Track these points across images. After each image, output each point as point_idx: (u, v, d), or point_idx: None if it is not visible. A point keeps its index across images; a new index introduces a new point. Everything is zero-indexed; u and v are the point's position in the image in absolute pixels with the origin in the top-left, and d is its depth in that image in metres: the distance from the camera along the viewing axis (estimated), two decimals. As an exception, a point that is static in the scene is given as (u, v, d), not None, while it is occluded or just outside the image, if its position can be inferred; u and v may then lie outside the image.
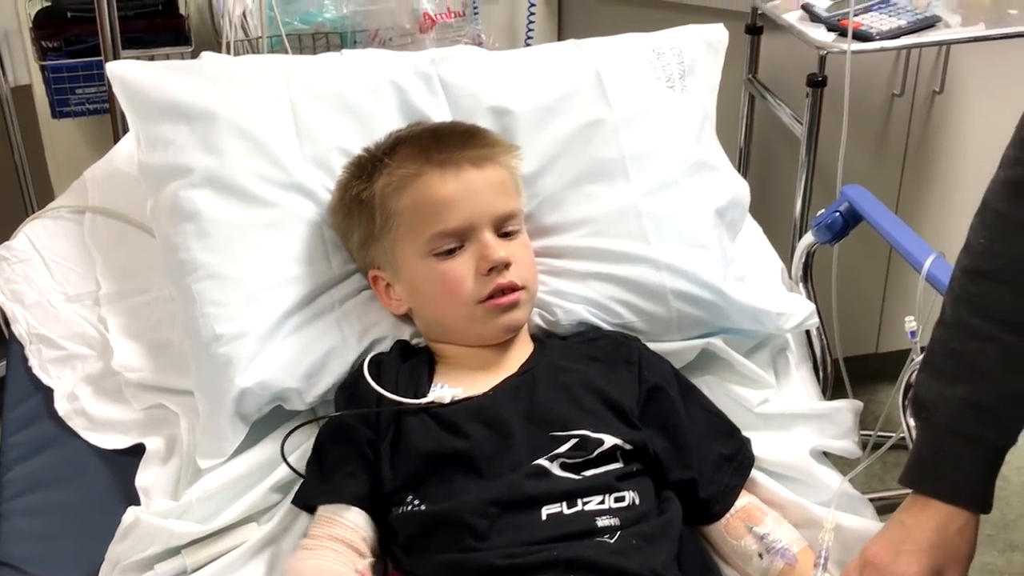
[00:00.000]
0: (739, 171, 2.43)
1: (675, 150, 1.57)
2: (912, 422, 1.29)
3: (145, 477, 1.40)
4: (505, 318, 1.37)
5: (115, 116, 1.91)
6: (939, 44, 2.28)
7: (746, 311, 1.51)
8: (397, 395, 1.33)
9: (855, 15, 2.05)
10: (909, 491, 1.16)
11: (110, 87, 1.60)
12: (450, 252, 1.36)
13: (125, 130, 1.69)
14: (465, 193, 1.36)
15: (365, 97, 1.55)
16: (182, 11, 2.34)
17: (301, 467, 1.35)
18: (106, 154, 1.71)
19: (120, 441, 1.45)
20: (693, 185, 1.56)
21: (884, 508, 1.39)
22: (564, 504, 1.25)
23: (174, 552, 1.32)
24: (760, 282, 1.62)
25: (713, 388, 1.50)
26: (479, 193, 1.37)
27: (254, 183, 1.46)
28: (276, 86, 1.53)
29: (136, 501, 1.37)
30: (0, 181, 2.49)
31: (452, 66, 1.61)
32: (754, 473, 1.40)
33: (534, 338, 1.46)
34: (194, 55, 2.30)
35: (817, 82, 2.08)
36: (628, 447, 1.30)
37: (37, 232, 1.63)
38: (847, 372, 1.70)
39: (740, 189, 1.64)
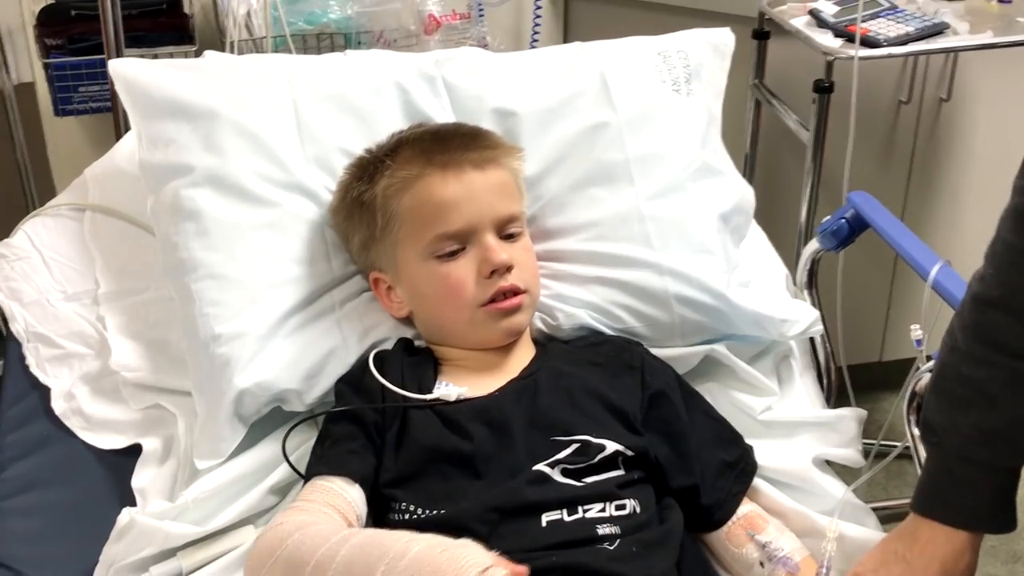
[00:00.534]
0: (745, 177, 2.42)
1: (680, 154, 1.56)
2: (917, 432, 1.28)
3: (141, 478, 1.39)
4: (506, 322, 1.36)
5: (117, 114, 1.89)
6: (947, 51, 2.27)
7: (750, 317, 1.49)
8: (403, 389, 1.32)
9: (863, 21, 2.04)
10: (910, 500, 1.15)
11: (113, 85, 1.59)
12: (452, 255, 1.35)
13: (127, 128, 1.67)
14: (467, 195, 1.35)
15: (368, 98, 1.54)
16: (186, 10, 2.33)
17: (301, 468, 1.33)
18: (107, 152, 1.70)
19: (117, 441, 1.43)
20: (698, 190, 1.55)
21: (887, 518, 1.38)
22: (565, 511, 1.23)
23: (170, 554, 1.30)
24: (764, 288, 1.61)
25: (716, 395, 1.49)
26: (481, 195, 1.36)
27: (255, 183, 1.45)
28: (279, 86, 1.52)
29: (132, 502, 1.36)
30: (2, 179, 2.47)
31: (456, 68, 1.60)
32: (756, 481, 1.39)
33: (536, 342, 1.45)
34: (198, 55, 2.28)
35: (824, 88, 2.06)
36: (630, 453, 1.29)
37: (37, 230, 1.63)
38: (851, 380, 1.68)
39: (745, 194, 1.63)
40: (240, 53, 2.12)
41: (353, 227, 1.42)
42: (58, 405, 1.46)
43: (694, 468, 1.34)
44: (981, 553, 1.14)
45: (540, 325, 1.47)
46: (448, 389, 1.33)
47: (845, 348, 1.68)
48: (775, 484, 1.41)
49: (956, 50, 2.22)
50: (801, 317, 1.55)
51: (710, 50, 1.68)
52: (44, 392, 1.48)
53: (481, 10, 2.37)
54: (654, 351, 1.46)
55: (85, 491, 1.41)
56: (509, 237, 1.38)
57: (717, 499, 1.35)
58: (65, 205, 1.64)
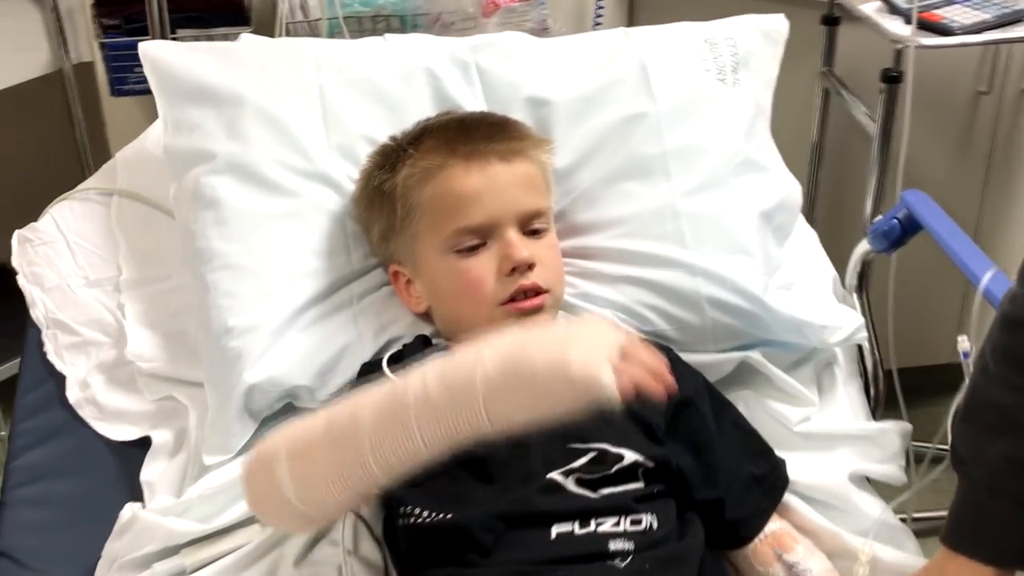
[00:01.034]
0: (811, 170, 2.35)
1: (721, 148, 1.48)
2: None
3: (150, 471, 1.37)
4: (526, 322, 1.30)
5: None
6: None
7: (787, 322, 1.41)
8: None
9: (936, 7, 1.93)
10: None
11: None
12: (472, 249, 1.30)
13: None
14: (490, 188, 1.29)
15: (397, 84, 1.49)
16: (243, -10, 2.31)
17: None
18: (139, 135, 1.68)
19: (129, 432, 1.41)
20: (738, 186, 1.47)
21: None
22: (576, 523, 1.17)
23: (173, 551, 1.28)
24: (808, 291, 1.52)
25: (751, 403, 1.41)
26: (505, 188, 1.30)
27: (276, 171, 1.41)
28: (306, 71, 1.49)
29: (142, 495, 1.34)
30: (61, 158, 2.48)
31: (492, 54, 1.55)
32: (788, 497, 1.32)
33: (560, 343, 1.38)
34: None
35: (891, 77, 1.96)
36: (650, 464, 1.22)
37: (63, 214, 1.61)
38: (911, 382, 1.57)
39: (791, 191, 1.55)
40: (293, 35, 2.11)
41: (373, 217, 1.37)
42: (73, 394, 1.44)
43: (719, 481, 1.27)
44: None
45: (565, 325, 1.40)
46: None
47: (902, 349, 1.57)
48: (808, 500, 1.33)
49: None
50: (844, 323, 1.46)
51: (761, 37, 1.59)
52: (60, 380, 1.46)
53: (543, -10, 2.30)
54: (685, 356, 1.38)
55: (95, 483, 1.39)
56: (534, 233, 1.32)
57: (743, 514, 1.27)
58: (93, 189, 1.62)
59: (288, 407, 1.36)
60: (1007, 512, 1.02)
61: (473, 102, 1.50)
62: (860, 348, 1.54)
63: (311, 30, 2.18)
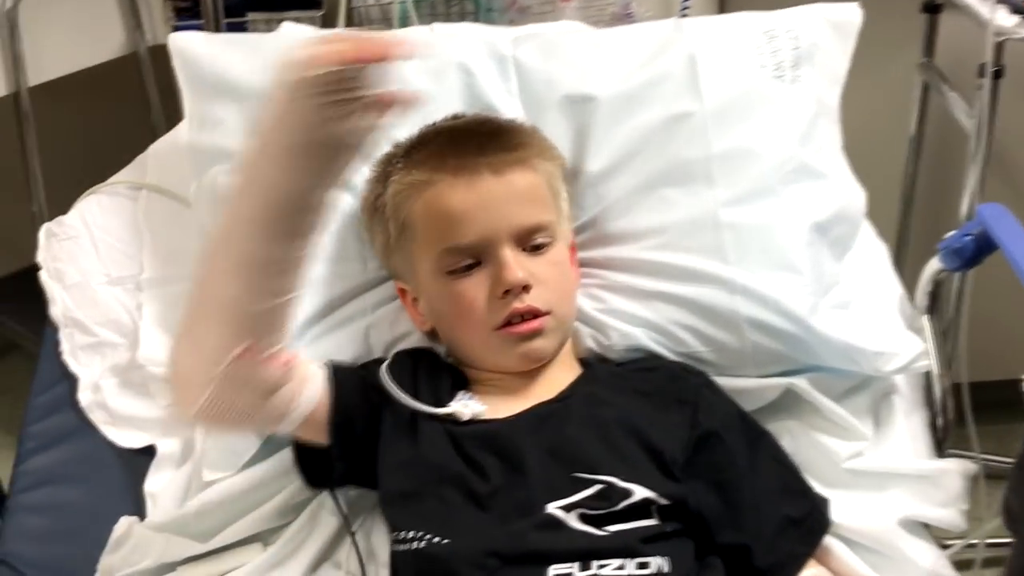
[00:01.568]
0: (909, 169, 2.18)
1: (772, 152, 1.35)
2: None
3: (154, 482, 1.33)
4: (525, 347, 1.20)
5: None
6: None
7: (836, 348, 1.28)
8: (417, 395, 1.19)
9: (1047, -5, 1.74)
10: None
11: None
12: (467, 269, 1.20)
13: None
14: (480, 204, 1.19)
15: (426, 80, 1.39)
16: (315, -28, 2.24)
17: None
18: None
19: (138, 439, 1.37)
20: (789, 194, 1.34)
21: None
22: (576, 566, 1.07)
23: (171, 568, 1.24)
24: (866, 311, 1.38)
25: (796, 435, 1.29)
26: (497, 204, 1.19)
27: None
28: (334, 64, 1.40)
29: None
30: (136, 142, 2.46)
31: (533, 47, 1.44)
32: (830, 541, 1.19)
33: (583, 362, 1.28)
34: (325, 19, 2.22)
35: (994, 72, 1.78)
36: (663, 502, 1.11)
37: (91, 208, 1.57)
38: (973, 404, 1.42)
39: (851, 200, 1.41)
40: (366, 18, 2.04)
41: (374, 231, 1.29)
42: (84, 396, 1.41)
43: (746, 523, 1.15)
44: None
45: (590, 343, 1.30)
46: (467, 404, 1.19)
47: (975, 362, 1.42)
48: (852, 546, 1.20)
49: None
50: (904, 349, 1.31)
51: (829, 29, 1.45)
52: (74, 382, 1.42)
53: (628, -25, 2.18)
54: (723, 381, 1.27)
55: (100, 491, 1.35)
56: (536, 249, 1.22)
57: (775, 561, 1.15)
58: (122, 183, 1.58)
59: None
60: None
61: (507, 99, 1.40)
62: (928, 375, 1.40)
63: (381, 13, 2.10)
